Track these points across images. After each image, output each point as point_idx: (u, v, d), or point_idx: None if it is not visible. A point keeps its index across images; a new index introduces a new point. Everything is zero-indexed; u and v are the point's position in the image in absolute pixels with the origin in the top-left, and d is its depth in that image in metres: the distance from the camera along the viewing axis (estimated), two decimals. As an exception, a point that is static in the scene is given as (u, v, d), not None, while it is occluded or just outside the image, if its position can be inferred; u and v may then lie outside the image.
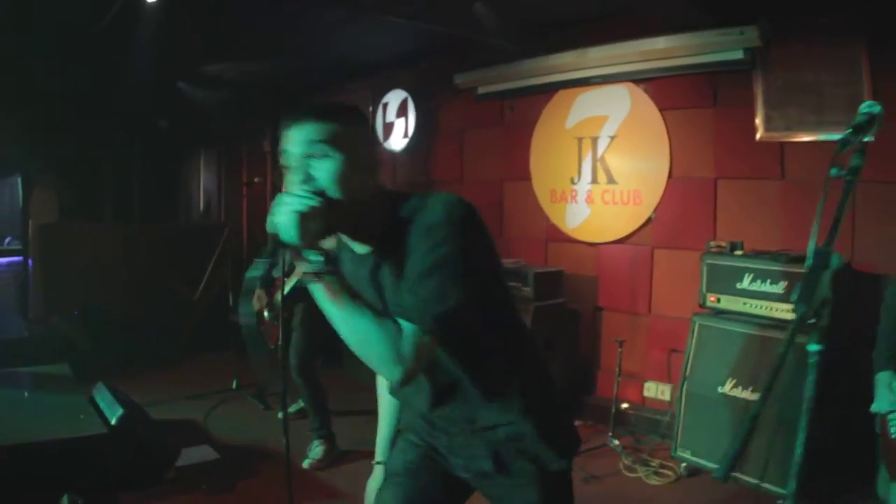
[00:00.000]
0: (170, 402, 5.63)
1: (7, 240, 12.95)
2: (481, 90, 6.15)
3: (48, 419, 3.63)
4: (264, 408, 5.68)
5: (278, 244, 1.71)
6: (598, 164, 5.36)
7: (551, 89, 5.65)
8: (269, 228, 1.72)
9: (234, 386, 6.09)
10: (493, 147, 6.30)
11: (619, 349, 4.82)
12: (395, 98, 7.04)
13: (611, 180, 5.31)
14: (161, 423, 4.78)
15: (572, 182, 5.55)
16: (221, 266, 7.82)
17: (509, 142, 6.12)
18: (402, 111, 6.97)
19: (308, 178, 1.76)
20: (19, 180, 11.02)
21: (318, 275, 1.71)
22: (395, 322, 1.68)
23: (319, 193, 1.74)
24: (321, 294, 1.71)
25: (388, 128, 7.09)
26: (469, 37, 5.48)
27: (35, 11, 5.53)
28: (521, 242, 6.01)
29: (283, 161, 1.81)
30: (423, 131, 6.83)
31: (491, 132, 6.31)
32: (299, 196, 1.70)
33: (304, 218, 1.68)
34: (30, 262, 9.94)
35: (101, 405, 4.35)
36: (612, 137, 5.29)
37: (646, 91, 5.08)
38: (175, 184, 10.70)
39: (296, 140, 1.79)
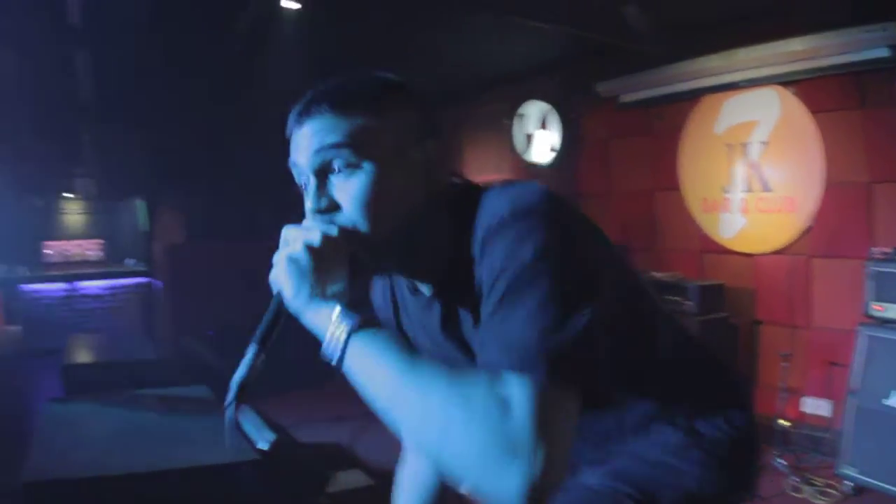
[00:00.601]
0: (314, 424, 6.11)
1: (130, 261, 14.26)
2: (624, 98, 6.59)
3: (191, 444, 3.69)
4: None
5: (280, 310, 1.33)
6: (752, 172, 5.75)
7: (697, 95, 6.05)
8: (272, 285, 1.34)
9: None
10: (640, 157, 6.75)
11: (784, 363, 5.15)
12: (535, 109, 7.57)
13: (766, 188, 5.68)
14: (310, 448, 5.22)
15: (724, 191, 5.95)
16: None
17: (657, 151, 6.55)
18: (541, 122, 7.50)
19: (327, 205, 1.34)
20: (142, 203, 12.07)
21: (343, 338, 1.23)
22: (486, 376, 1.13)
23: (345, 227, 1.32)
24: (357, 368, 1.22)
25: (528, 139, 7.66)
26: (611, 42, 5.95)
27: (166, 29, 6.27)
28: (675, 255, 6.43)
29: (296, 178, 1.40)
30: (565, 143, 7.34)
31: (637, 141, 6.78)
32: (309, 229, 1.30)
33: (317, 261, 1.27)
34: (157, 283, 10.73)
35: (248, 429, 4.79)
36: (765, 143, 5.66)
37: (795, 94, 5.41)
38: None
39: (304, 146, 1.33)
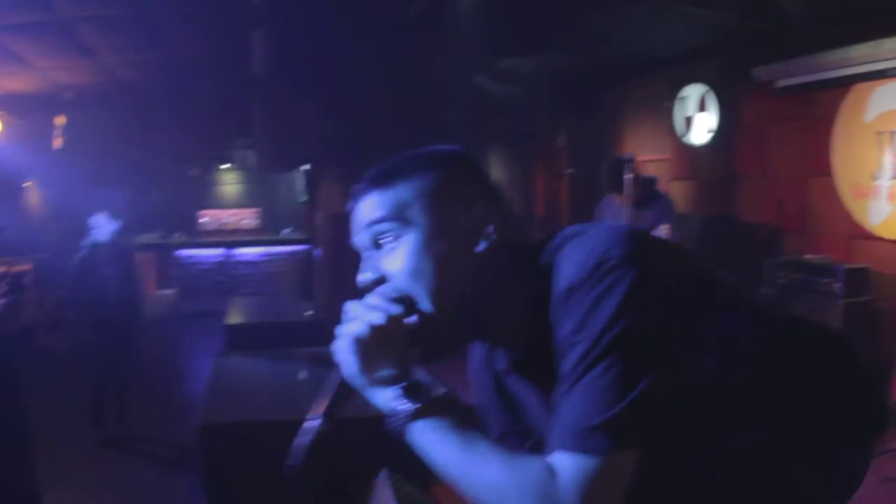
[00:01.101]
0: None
1: (286, 230, 15.43)
2: (781, 83, 7.33)
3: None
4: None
5: (344, 385, 1.48)
6: None
7: (849, 82, 6.72)
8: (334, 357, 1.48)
9: None
10: (795, 142, 7.49)
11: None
12: (694, 92, 8.45)
13: (912, 176, 6.34)
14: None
15: (873, 178, 6.64)
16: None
17: (811, 136, 7.27)
18: (702, 106, 8.35)
19: (374, 279, 1.48)
20: (303, 173, 13.17)
21: (405, 418, 1.39)
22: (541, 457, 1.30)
23: (403, 300, 1.44)
24: (417, 447, 1.39)
25: (688, 122, 8.52)
26: (769, 29, 6.75)
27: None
28: (824, 239, 7.16)
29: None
30: (723, 126, 8.15)
31: (792, 126, 7.52)
32: (372, 307, 1.43)
33: (378, 341, 1.41)
34: (316, 251, 11.82)
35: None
36: (913, 131, 6.31)
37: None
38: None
39: (355, 226, 1.54)
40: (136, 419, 7.01)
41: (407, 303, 1.42)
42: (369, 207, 1.47)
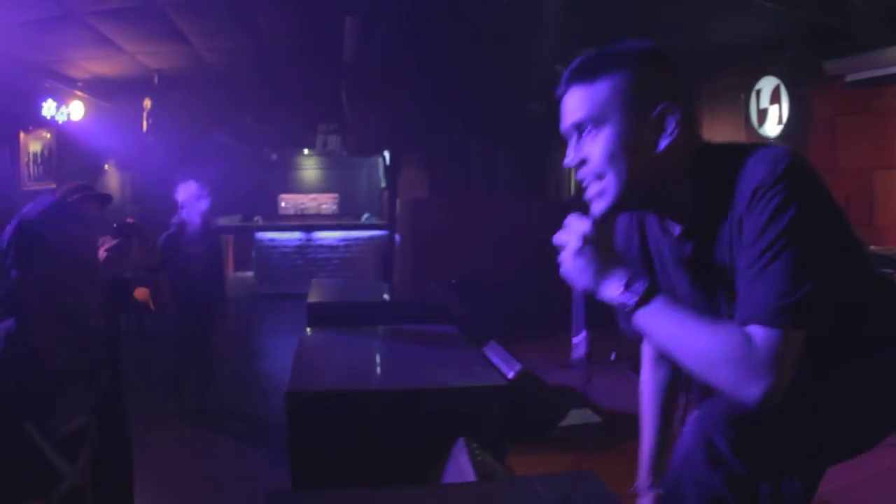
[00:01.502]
0: (548, 369, 6.94)
1: (365, 216, 15.65)
2: (850, 77, 7.43)
3: (441, 370, 4.28)
4: (642, 378, 7.15)
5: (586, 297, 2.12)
6: None
7: None
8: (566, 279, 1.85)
9: (612, 358, 7.68)
10: (863, 135, 7.57)
11: None
12: (767, 85, 8.57)
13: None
14: (548, 385, 6.08)
15: None
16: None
17: (879, 130, 7.34)
18: (774, 98, 8.46)
19: (578, 161, 1.84)
20: (383, 160, 13.35)
21: (632, 303, 1.73)
22: (737, 325, 1.63)
23: (595, 182, 1.82)
24: (643, 328, 1.75)
25: (762, 114, 8.65)
26: (838, 23, 6.80)
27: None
28: (891, 231, 7.22)
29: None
30: (794, 118, 8.26)
31: (860, 119, 7.60)
32: (578, 223, 1.80)
33: (595, 248, 1.77)
34: (396, 236, 11.97)
35: (496, 360, 5.72)
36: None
37: None
38: (543, 165, 12.54)
39: (563, 117, 1.87)
40: (216, 393, 7.18)
41: (605, 206, 1.80)
42: (574, 103, 1.81)
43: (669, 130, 1.77)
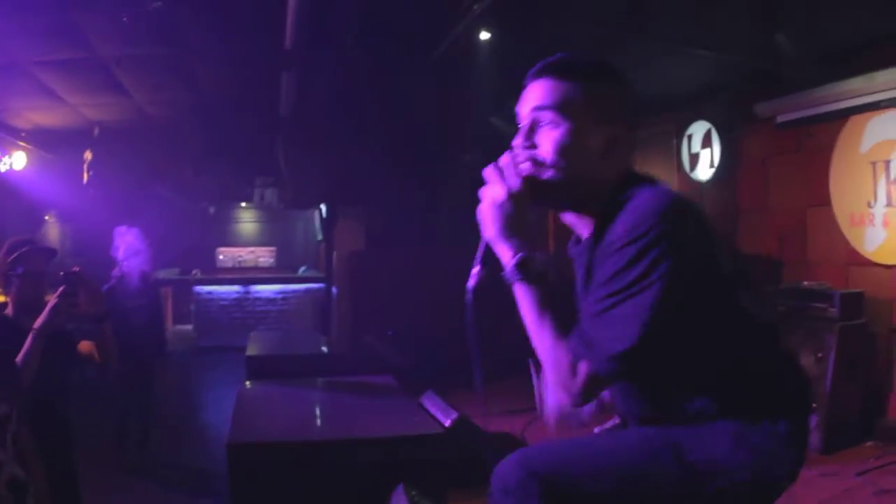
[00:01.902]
0: (485, 417, 6.99)
1: (302, 268, 15.69)
2: (780, 118, 7.70)
3: (379, 419, 4.42)
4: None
5: (488, 247, 2.00)
6: (893, 188, 6.72)
7: (845, 115, 7.03)
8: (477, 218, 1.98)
9: None
10: (794, 174, 7.80)
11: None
12: (699, 129, 8.80)
13: (905, 203, 6.67)
14: (485, 432, 5.98)
15: (869, 206, 6.93)
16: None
17: (809, 168, 7.57)
18: (706, 142, 8.70)
19: (531, 143, 1.95)
20: (319, 213, 13.40)
21: (515, 277, 1.91)
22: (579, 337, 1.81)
23: (533, 161, 1.94)
24: (517, 299, 1.92)
25: (694, 158, 8.88)
26: (767, 67, 7.08)
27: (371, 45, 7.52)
28: (823, 267, 7.43)
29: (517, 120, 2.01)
30: (726, 161, 8.50)
31: (791, 159, 7.84)
32: (506, 171, 1.93)
33: (509, 205, 1.91)
34: (333, 288, 12.12)
35: (433, 410, 5.75)
36: (904, 160, 6.65)
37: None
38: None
39: (526, 99, 1.99)
40: (158, 445, 7.19)
41: (535, 167, 1.92)
42: (542, 90, 1.94)
43: (616, 145, 1.95)
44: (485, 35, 7.18)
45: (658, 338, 1.73)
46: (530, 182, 1.92)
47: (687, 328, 1.80)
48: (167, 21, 6.86)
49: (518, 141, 1.97)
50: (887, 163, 6.75)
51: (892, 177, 6.74)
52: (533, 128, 1.95)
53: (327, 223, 12.71)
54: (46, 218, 13.40)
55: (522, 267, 1.89)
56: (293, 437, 4.05)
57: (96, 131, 11.17)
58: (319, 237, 14.32)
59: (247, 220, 18.66)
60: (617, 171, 1.97)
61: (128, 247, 6.88)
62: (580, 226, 2.06)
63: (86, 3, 6.47)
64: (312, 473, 3.76)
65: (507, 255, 1.91)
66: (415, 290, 10.09)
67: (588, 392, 1.81)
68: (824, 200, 7.38)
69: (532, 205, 1.93)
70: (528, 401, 7.28)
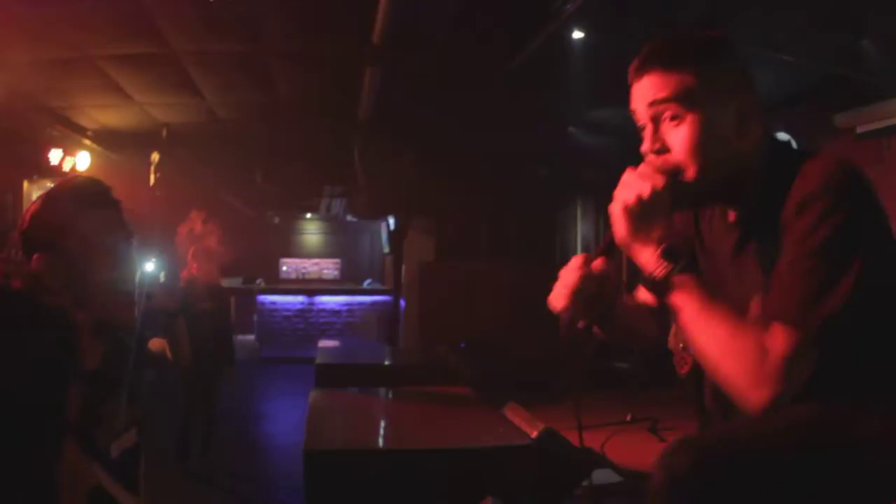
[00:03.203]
0: (564, 433, 7.05)
1: (367, 281, 15.57)
2: (860, 129, 7.43)
3: (457, 430, 4.32)
4: (659, 440, 7.06)
5: (611, 245, 1.85)
6: None
7: None
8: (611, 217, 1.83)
9: (627, 419, 7.69)
10: (875, 186, 7.31)
11: None
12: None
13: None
14: (570, 445, 6.15)
15: None
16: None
17: (892, 180, 7.13)
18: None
19: (659, 147, 1.80)
20: (386, 225, 13.28)
21: (662, 277, 1.72)
22: (757, 329, 1.62)
23: (671, 167, 1.78)
24: (670, 302, 1.73)
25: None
26: (848, 75, 6.85)
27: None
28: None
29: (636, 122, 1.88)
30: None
31: (871, 171, 7.29)
32: (642, 177, 1.75)
33: (638, 210, 1.74)
34: (401, 301, 11.98)
35: (517, 420, 5.76)
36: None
37: None
38: (551, 228, 12.51)
39: (640, 97, 1.84)
40: (220, 455, 7.07)
41: (674, 174, 1.76)
42: (654, 84, 1.78)
43: (748, 123, 1.80)
44: (576, 35, 6.90)
45: (864, 294, 1.58)
46: (672, 185, 1.75)
47: (884, 287, 1.67)
48: (245, 12, 6.61)
49: (646, 146, 1.82)
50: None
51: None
52: (656, 127, 1.81)
53: (396, 235, 12.62)
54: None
55: (671, 256, 1.71)
56: (372, 446, 3.88)
57: (164, 132, 11.01)
58: (386, 250, 14.18)
59: (311, 231, 18.68)
60: (754, 140, 1.82)
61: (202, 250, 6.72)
62: (725, 205, 1.94)
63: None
64: (392, 483, 3.51)
65: (646, 253, 1.74)
66: (484, 303, 10.10)
67: (792, 376, 1.54)
68: (905, 214, 6.97)
69: (673, 205, 1.78)
70: (607, 415, 7.24)
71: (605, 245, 1.85)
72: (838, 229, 1.59)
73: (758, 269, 1.80)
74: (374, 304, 14.33)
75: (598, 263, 1.86)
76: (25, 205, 10.49)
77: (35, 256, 2.14)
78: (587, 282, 1.84)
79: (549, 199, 12.04)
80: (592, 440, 6.92)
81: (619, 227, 1.75)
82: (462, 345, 9.22)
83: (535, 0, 6.53)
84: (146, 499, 2.60)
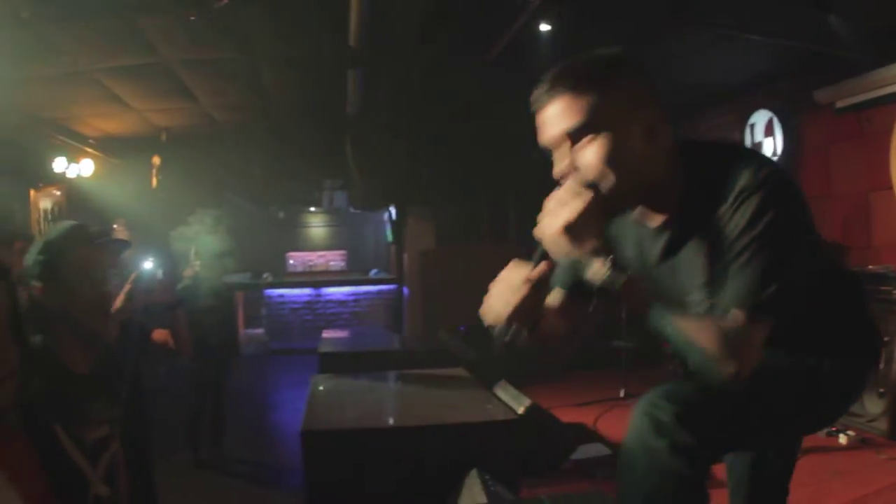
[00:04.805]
0: (559, 409, 7.17)
1: (373, 271, 15.70)
2: (839, 104, 7.69)
3: (451, 408, 4.30)
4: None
5: (543, 256, 1.97)
6: None
7: None
8: (536, 235, 1.94)
9: (621, 395, 7.97)
10: (856, 159, 7.79)
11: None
12: (760, 118, 8.85)
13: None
14: (558, 420, 6.29)
15: None
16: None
17: (871, 153, 7.54)
18: (768, 130, 8.73)
19: (568, 170, 1.92)
20: (389, 215, 13.40)
21: (607, 284, 1.86)
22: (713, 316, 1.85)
23: (590, 184, 1.88)
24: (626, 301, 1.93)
25: (757, 147, 8.83)
26: (824, 51, 7.04)
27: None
28: (887, 251, 7.39)
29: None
30: (788, 149, 8.52)
31: (852, 144, 7.83)
32: (564, 200, 1.86)
33: (576, 227, 1.84)
34: (404, 289, 12.10)
35: (506, 398, 5.90)
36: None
37: None
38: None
39: (548, 126, 1.94)
40: (230, 444, 7.22)
41: (595, 186, 1.86)
42: (562, 111, 1.88)
43: (655, 126, 1.91)
44: (544, 27, 7.07)
45: (797, 277, 1.84)
46: (594, 201, 1.86)
47: (808, 274, 1.93)
48: (231, 22, 6.87)
49: (560, 168, 1.95)
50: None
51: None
52: (570, 151, 1.91)
53: (397, 224, 12.75)
54: (115, 226, 13.55)
55: (618, 264, 1.87)
56: (366, 425, 4.02)
57: (164, 136, 11.28)
58: (390, 239, 14.36)
59: (316, 224, 18.81)
60: (667, 146, 1.94)
61: (206, 249, 6.93)
62: (648, 211, 2.06)
63: (149, 6, 6.50)
64: (385, 460, 3.72)
65: (595, 266, 1.87)
66: (485, 288, 10.13)
67: (753, 350, 1.81)
68: (886, 184, 7.33)
69: (602, 217, 1.90)
70: (601, 392, 7.43)
71: (540, 256, 1.96)
72: (775, 221, 1.79)
73: (696, 262, 1.96)
74: (379, 293, 14.47)
75: (536, 275, 1.99)
76: (32, 212, 10.85)
77: (39, 287, 2.73)
78: (530, 296, 1.99)
79: (546, 184, 12.15)
80: (587, 416, 7.29)
81: (561, 246, 1.87)
82: (461, 328, 9.39)
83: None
84: (126, 484, 2.96)
